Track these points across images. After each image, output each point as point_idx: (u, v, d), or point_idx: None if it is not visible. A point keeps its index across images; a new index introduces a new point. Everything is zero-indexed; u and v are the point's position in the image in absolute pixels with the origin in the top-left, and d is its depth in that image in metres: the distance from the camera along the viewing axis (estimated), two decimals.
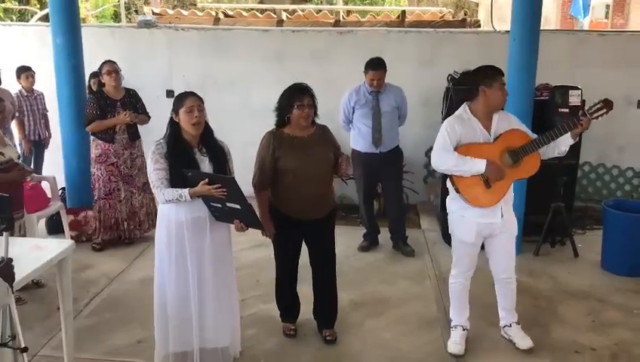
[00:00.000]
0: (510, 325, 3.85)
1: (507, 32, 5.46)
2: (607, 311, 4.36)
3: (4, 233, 2.51)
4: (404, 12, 7.19)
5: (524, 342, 3.77)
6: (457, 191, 3.56)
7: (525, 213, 5.12)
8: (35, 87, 6.60)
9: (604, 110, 3.42)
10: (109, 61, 5.27)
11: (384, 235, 5.58)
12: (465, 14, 7.39)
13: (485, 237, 3.65)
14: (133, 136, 5.37)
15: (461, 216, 3.60)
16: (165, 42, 6.96)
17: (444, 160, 3.51)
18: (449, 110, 5.90)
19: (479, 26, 7.29)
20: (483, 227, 3.57)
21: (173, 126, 3.23)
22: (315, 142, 3.59)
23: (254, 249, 5.27)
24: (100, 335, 3.90)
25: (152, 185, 3.18)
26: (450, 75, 6.04)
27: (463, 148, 3.50)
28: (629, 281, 4.83)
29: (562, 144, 3.50)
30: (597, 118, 3.44)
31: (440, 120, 6.11)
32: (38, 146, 6.69)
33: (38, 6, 14.24)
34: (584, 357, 3.73)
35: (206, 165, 3.25)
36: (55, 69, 5.55)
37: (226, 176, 3.18)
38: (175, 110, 3.22)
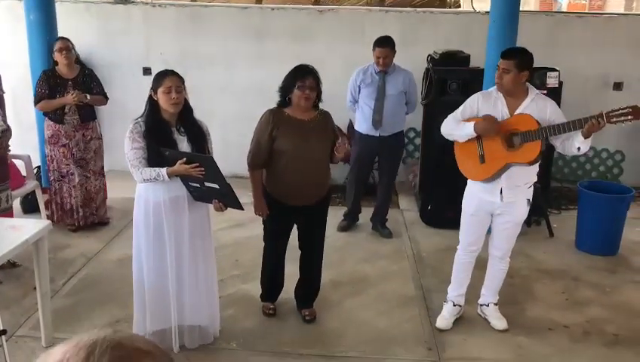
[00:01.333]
0: (488, 305, 3.91)
1: (487, 12, 5.46)
2: (581, 289, 4.46)
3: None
4: None
5: (499, 322, 3.85)
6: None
7: None
8: None
9: (629, 117, 3.17)
10: (62, 38, 5.07)
11: (364, 215, 5.60)
12: None
13: (489, 214, 3.68)
14: (86, 117, 5.13)
15: (469, 189, 3.71)
16: (142, 19, 6.83)
17: (446, 124, 3.66)
18: (428, 90, 5.91)
19: (459, 6, 7.29)
20: (484, 203, 3.63)
21: (152, 104, 3.18)
22: (315, 127, 3.55)
23: (233, 228, 5.26)
24: (77, 315, 3.88)
25: (129, 165, 3.14)
26: (429, 55, 6.04)
27: (471, 120, 3.55)
28: (602, 260, 4.94)
29: (576, 141, 3.34)
30: (616, 123, 3.20)
31: (420, 100, 6.13)
32: None
33: None
34: (557, 334, 3.83)
35: (184, 145, 3.22)
36: (28, 47, 5.42)
37: (204, 155, 3.15)
38: (154, 88, 3.17)
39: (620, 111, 3.20)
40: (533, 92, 3.55)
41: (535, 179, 3.65)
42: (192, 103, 3.35)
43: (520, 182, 3.56)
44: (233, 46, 6.79)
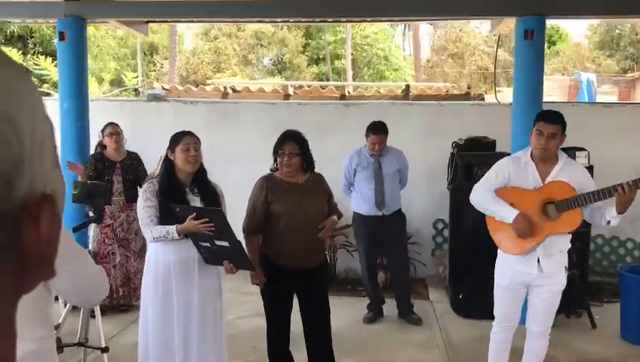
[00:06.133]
0: None
1: (511, 104, 5.50)
2: None
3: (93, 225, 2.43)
4: (408, 86, 7.31)
5: None
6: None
7: None
8: None
9: None
10: (112, 123, 5.30)
11: (389, 304, 5.32)
12: (468, 87, 7.49)
13: (526, 285, 3.43)
14: (131, 197, 5.21)
15: (501, 258, 3.47)
16: (174, 115, 7.06)
17: (479, 195, 3.44)
18: (454, 176, 5.83)
19: (483, 99, 7.37)
20: (519, 274, 3.38)
21: (168, 164, 3.18)
22: (308, 189, 3.53)
23: (254, 317, 5.01)
24: None
25: (140, 223, 3.09)
26: (454, 141, 6.01)
27: (503, 189, 3.38)
28: None
29: (608, 215, 3.21)
30: None
31: (446, 189, 6.03)
32: None
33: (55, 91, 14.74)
34: None
35: (197, 205, 3.15)
36: (60, 133, 5.60)
37: (213, 208, 3.08)
38: (171, 148, 3.19)
39: None
40: (563, 156, 3.38)
41: (569, 245, 3.44)
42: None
43: (556, 250, 3.36)
44: (261, 140, 6.86)
